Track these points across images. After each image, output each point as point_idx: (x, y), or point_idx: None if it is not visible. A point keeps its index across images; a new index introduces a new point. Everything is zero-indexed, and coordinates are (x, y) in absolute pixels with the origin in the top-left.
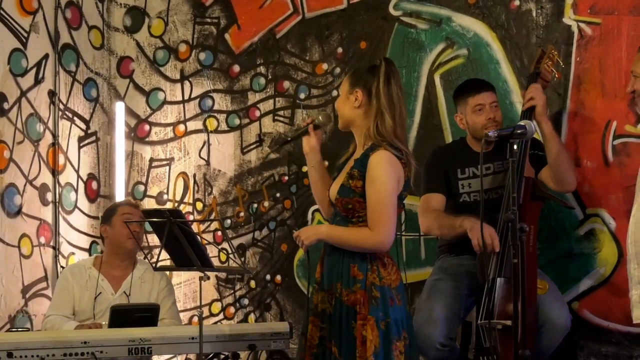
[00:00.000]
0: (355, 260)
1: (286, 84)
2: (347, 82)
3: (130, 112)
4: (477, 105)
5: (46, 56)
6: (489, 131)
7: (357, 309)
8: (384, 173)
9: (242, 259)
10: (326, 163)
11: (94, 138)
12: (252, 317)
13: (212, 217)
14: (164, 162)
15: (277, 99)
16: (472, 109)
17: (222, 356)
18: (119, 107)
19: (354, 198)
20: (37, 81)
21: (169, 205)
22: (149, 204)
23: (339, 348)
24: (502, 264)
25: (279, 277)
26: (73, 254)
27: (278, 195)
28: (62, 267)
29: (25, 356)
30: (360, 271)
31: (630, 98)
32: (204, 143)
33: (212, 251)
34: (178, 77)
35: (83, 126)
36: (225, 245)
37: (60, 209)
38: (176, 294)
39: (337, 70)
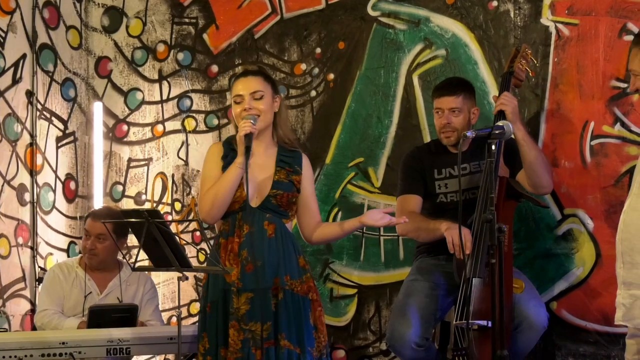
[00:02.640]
0: (300, 252)
1: None
2: (268, 86)
3: (108, 112)
4: (436, 108)
5: (24, 56)
6: (444, 136)
7: (310, 297)
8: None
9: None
10: None
11: (72, 138)
12: None
13: (190, 217)
14: (142, 163)
15: None
16: (434, 110)
17: None
18: (97, 107)
19: (294, 193)
20: (15, 81)
21: (147, 206)
22: (127, 204)
23: (294, 339)
24: (477, 264)
25: None
26: (51, 254)
27: None
28: (41, 268)
29: (3, 357)
30: (305, 262)
31: (611, 95)
32: (183, 143)
33: (190, 251)
34: (156, 77)
35: (61, 126)
36: (203, 245)
37: (38, 209)
38: None
39: (316, 70)
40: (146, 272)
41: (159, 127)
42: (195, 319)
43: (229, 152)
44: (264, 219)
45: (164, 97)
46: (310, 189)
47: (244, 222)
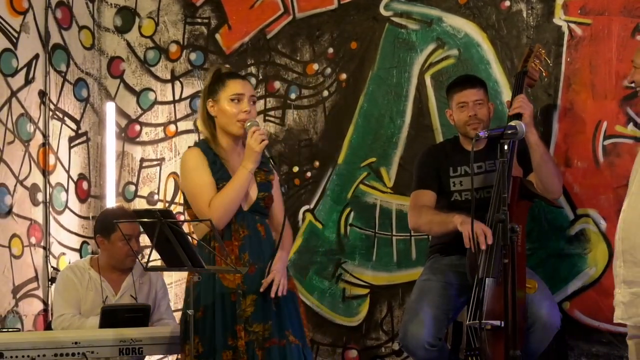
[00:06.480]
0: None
1: (277, 84)
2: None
3: (120, 112)
4: (460, 102)
5: (36, 56)
6: (471, 128)
7: (295, 292)
8: None
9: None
10: (317, 163)
11: (84, 138)
12: None
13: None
14: (155, 163)
15: (267, 99)
16: (456, 105)
17: None
18: (110, 107)
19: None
20: (28, 81)
21: (159, 206)
22: (140, 204)
23: (297, 333)
24: (490, 264)
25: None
26: (64, 254)
27: None
28: (53, 268)
29: (16, 356)
30: None
31: (624, 95)
32: (195, 143)
33: None
34: (169, 77)
35: (73, 126)
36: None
37: (50, 209)
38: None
39: (328, 70)
40: None
41: (172, 127)
42: None
43: (215, 158)
44: (256, 222)
45: (177, 97)
46: (277, 185)
47: (239, 226)
